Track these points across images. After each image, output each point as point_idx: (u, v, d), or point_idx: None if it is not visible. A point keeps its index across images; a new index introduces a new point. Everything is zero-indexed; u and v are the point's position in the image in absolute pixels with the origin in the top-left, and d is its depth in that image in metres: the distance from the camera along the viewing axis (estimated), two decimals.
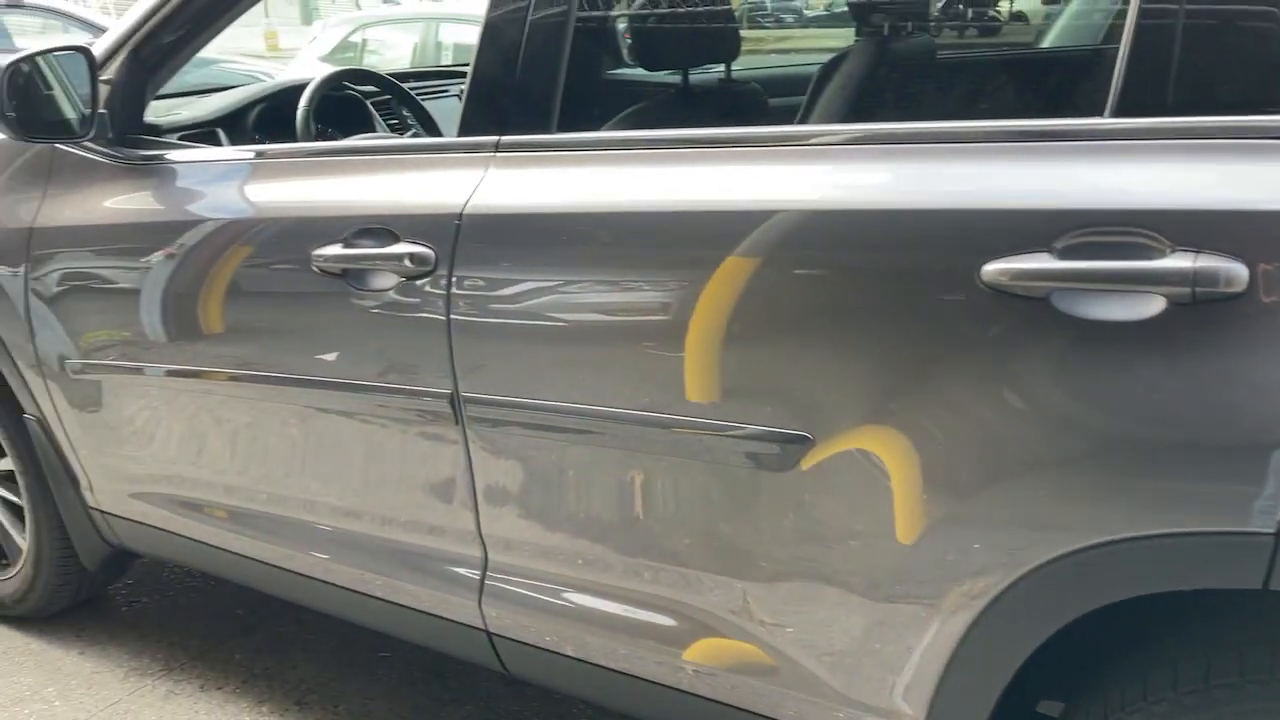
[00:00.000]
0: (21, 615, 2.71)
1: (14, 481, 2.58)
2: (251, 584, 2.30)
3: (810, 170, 1.48)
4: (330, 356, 1.86)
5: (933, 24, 3.24)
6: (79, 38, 6.59)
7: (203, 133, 2.57)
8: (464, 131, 1.77)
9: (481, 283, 1.66)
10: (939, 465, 1.35)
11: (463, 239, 1.67)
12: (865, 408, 1.39)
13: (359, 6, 19.55)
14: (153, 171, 2.13)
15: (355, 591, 2.05)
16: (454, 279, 1.67)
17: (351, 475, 1.95)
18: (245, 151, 2.15)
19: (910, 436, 1.35)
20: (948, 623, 1.38)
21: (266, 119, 2.76)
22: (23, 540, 2.60)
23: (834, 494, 1.43)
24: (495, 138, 1.72)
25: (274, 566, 2.16)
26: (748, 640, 1.59)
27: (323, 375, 1.88)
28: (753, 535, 1.53)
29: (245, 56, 9.22)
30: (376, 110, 3.04)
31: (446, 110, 3.21)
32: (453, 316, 1.68)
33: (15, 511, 2.64)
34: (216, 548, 2.26)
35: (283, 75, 6.26)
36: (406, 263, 1.70)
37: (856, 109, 2.10)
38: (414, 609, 1.96)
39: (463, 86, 1.98)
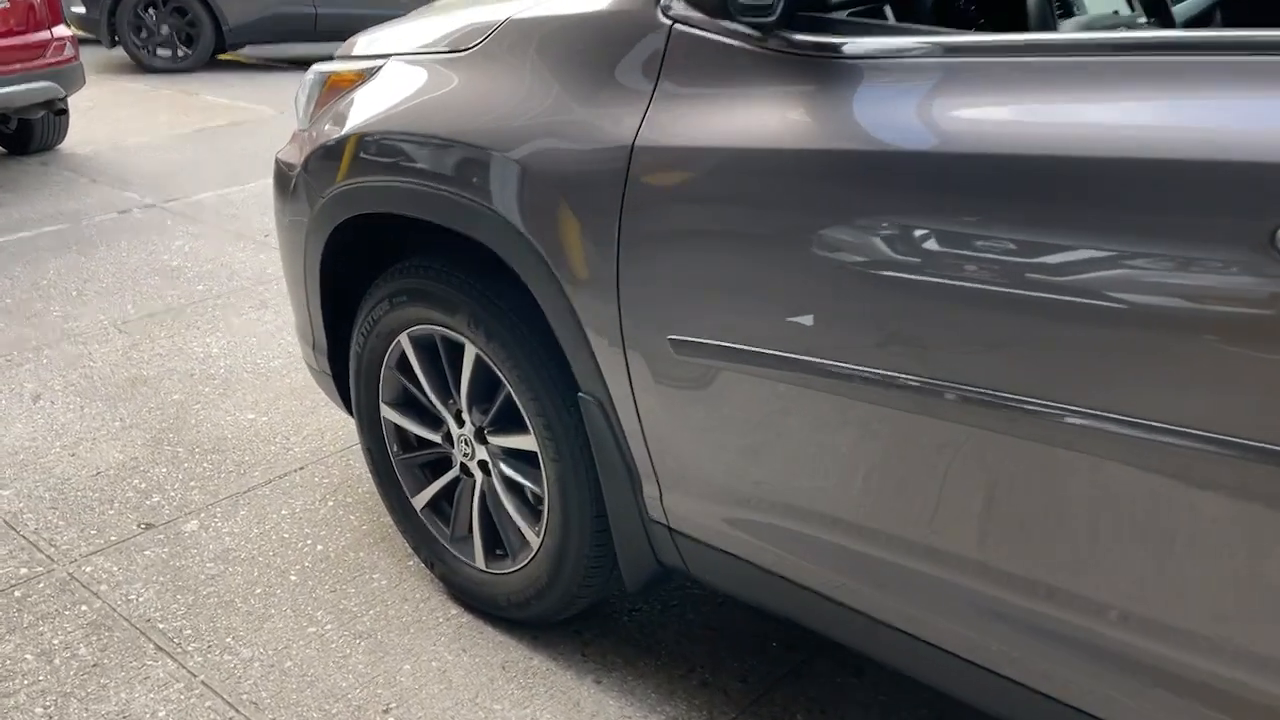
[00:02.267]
0: (518, 620, 2.20)
1: (532, 465, 2.04)
2: (855, 643, 1.66)
3: None
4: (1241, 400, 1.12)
5: None
6: None
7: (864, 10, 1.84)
8: None
9: None
10: None
11: None
12: None
13: None
14: (839, 71, 1.42)
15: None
16: None
17: (1152, 562, 1.23)
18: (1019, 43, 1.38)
19: None
20: None
21: None
22: (534, 535, 2.06)
23: None
24: None
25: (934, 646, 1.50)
26: None
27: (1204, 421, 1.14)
28: None
29: None
30: None
31: None
32: None
33: (522, 496, 2.11)
34: (833, 600, 1.62)
35: None
36: None
37: None
38: None
39: None
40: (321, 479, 2.82)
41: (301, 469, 2.87)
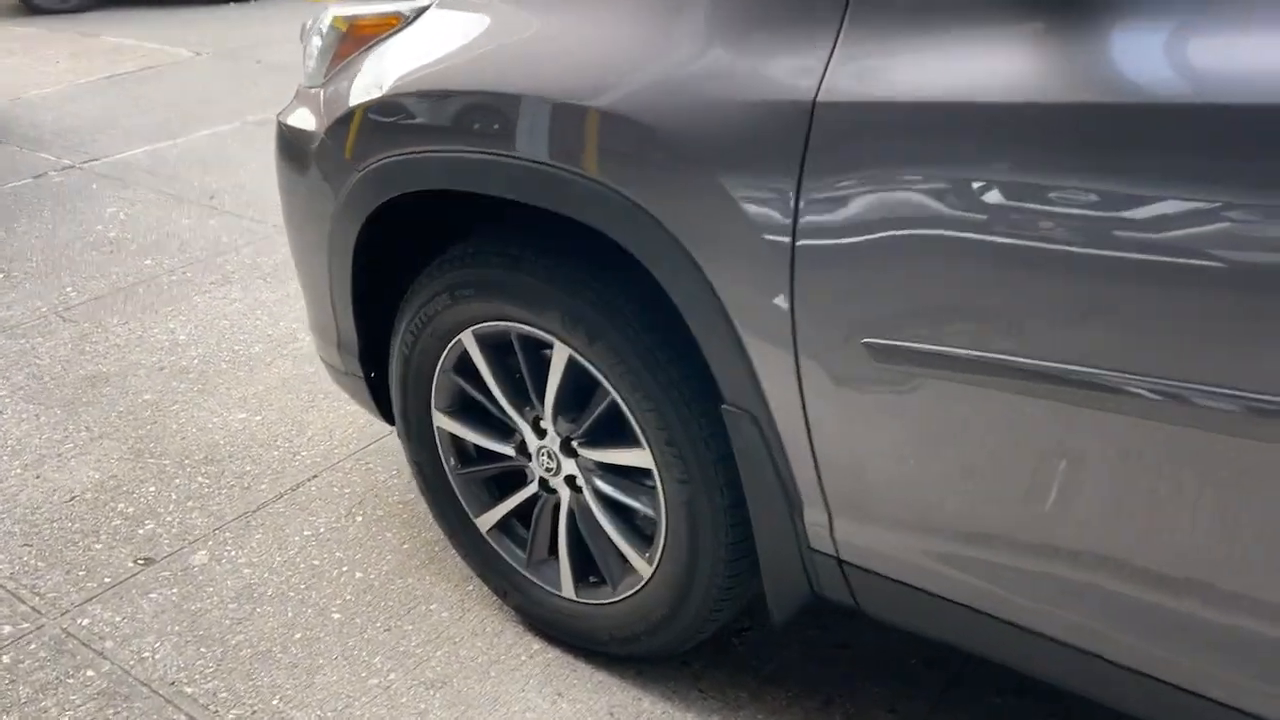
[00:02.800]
0: (625, 655, 1.89)
1: (637, 481, 1.73)
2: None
3: None
4: None
5: None
6: None
7: None
8: None
9: None
10: None
11: None
12: None
13: None
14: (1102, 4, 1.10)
15: None
16: None
17: None
18: None
19: None
20: None
21: None
22: (643, 561, 1.75)
23: None
24: None
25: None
26: None
27: None
28: None
29: None
30: None
31: None
32: None
33: (625, 516, 1.79)
34: (1051, 640, 1.35)
35: None
36: None
37: None
38: None
39: None
40: (342, 489, 2.46)
41: (314, 478, 2.50)
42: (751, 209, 1.31)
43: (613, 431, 1.71)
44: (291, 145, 1.96)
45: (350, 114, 1.75)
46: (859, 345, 1.30)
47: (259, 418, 2.75)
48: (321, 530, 2.31)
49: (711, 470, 1.58)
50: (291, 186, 2.00)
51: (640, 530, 1.79)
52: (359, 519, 2.35)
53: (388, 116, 1.69)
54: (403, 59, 1.69)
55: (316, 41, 1.92)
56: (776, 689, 1.86)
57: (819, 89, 1.24)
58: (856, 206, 1.25)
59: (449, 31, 1.65)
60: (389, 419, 2.11)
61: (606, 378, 1.63)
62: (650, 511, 1.72)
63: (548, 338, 1.69)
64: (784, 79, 1.27)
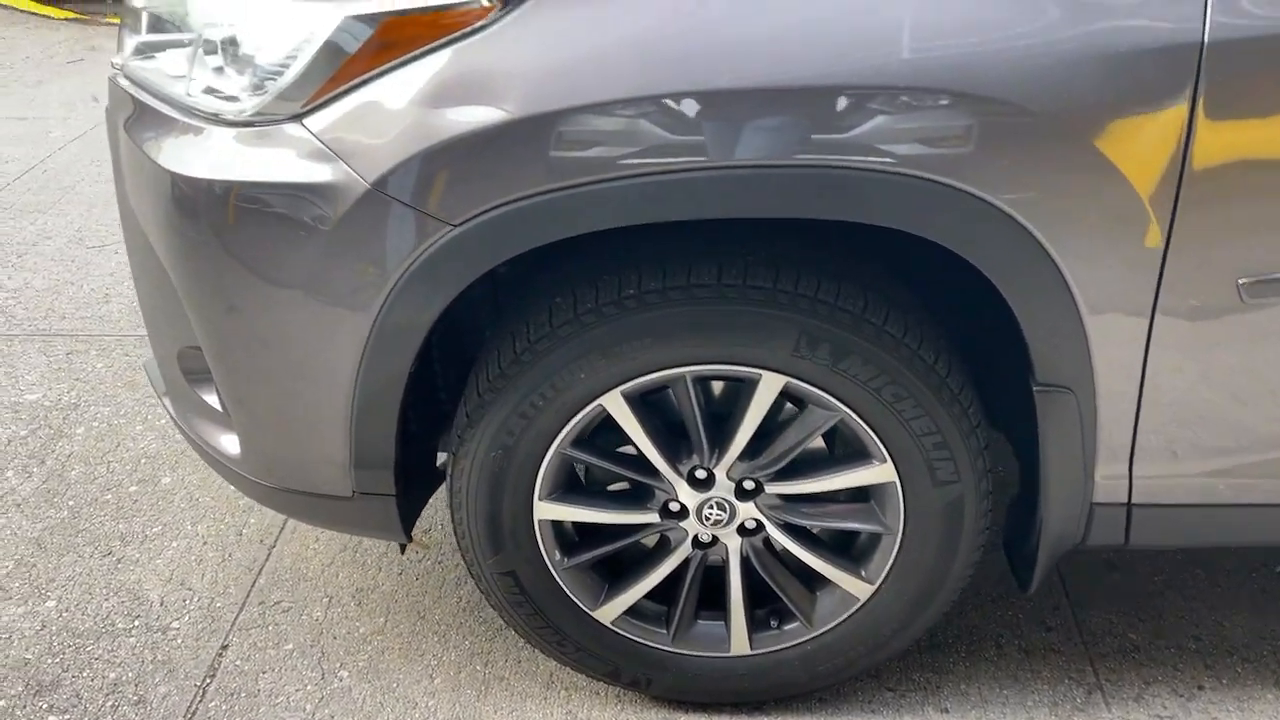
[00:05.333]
0: (821, 688, 1.70)
1: (844, 503, 1.53)
2: None
3: None
4: None
5: None
6: None
7: None
8: None
9: None
10: None
11: None
12: None
13: None
14: None
15: None
16: None
17: None
18: None
19: None
20: None
21: None
22: (859, 581, 1.57)
23: None
24: None
25: None
26: None
27: None
28: None
29: None
30: None
31: None
32: None
33: (819, 544, 1.59)
34: None
35: None
36: None
37: None
38: None
39: None
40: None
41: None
42: (1127, 165, 1.19)
43: (812, 458, 1.50)
44: (248, 211, 1.36)
45: (434, 151, 1.25)
46: (1232, 286, 1.26)
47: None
48: (349, 598, 1.73)
49: (980, 462, 1.46)
50: (248, 271, 1.40)
51: (842, 553, 1.59)
52: (385, 583, 1.80)
53: (520, 143, 1.24)
54: (532, 59, 1.23)
55: (299, 51, 1.32)
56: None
57: (1205, 26, 1.15)
58: (1248, 139, 1.19)
59: (624, 12, 1.23)
60: (409, 535, 1.63)
61: (841, 398, 1.40)
62: (866, 528, 1.54)
63: (751, 372, 1.40)
64: (1169, 21, 1.16)
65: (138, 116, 1.53)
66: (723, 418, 1.49)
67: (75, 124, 4.28)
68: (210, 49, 1.40)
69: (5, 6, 6.23)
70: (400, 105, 1.27)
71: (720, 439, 1.49)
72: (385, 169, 1.27)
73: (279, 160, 1.33)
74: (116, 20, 6.32)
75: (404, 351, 1.39)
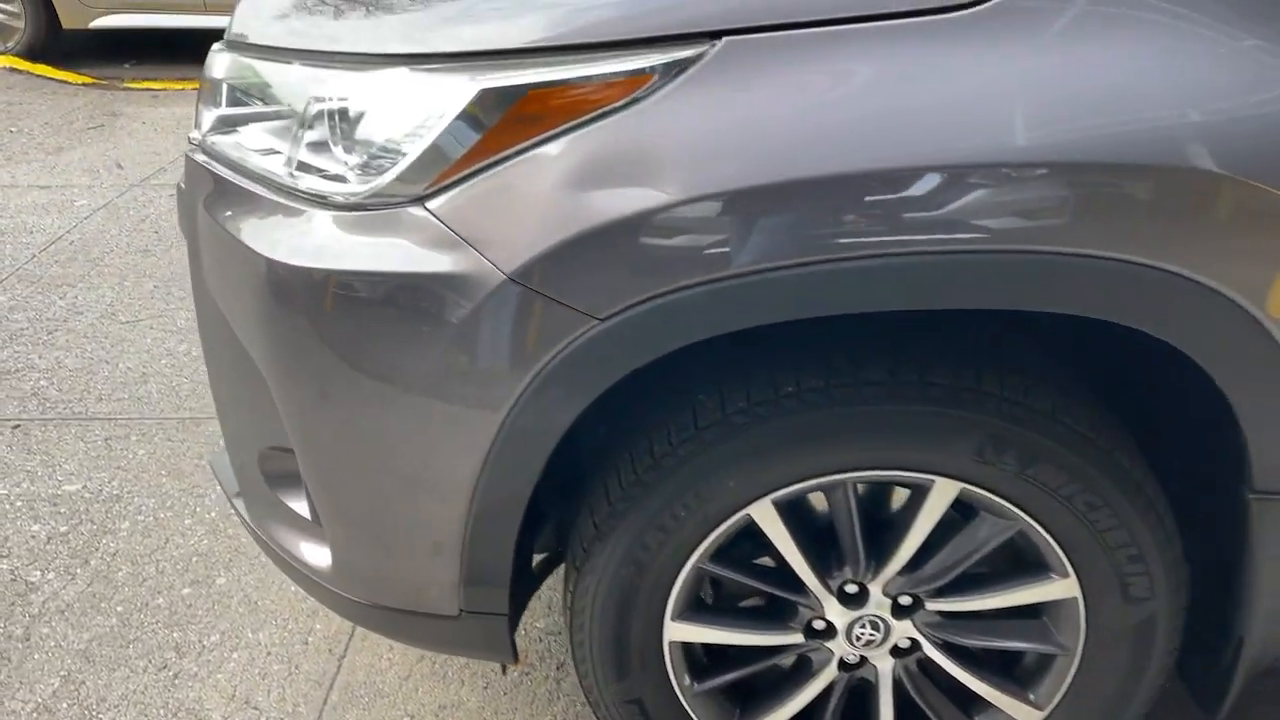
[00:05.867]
0: None
1: (1011, 620, 1.37)
2: None
3: None
4: None
5: None
6: None
7: None
8: None
9: None
10: None
11: None
12: None
13: None
14: None
15: None
16: None
17: None
18: None
19: None
20: None
21: None
22: (1025, 705, 1.40)
23: None
24: None
25: None
26: None
27: None
28: None
29: None
30: None
31: None
32: None
33: (978, 662, 1.42)
34: None
35: None
36: None
37: None
38: None
39: None
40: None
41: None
42: None
43: (978, 571, 1.33)
44: (359, 302, 1.21)
45: (583, 237, 1.10)
46: None
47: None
48: None
49: (1175, 575, 1.29)
50: (354, 369, 1.24)
51: (1006, 673, 1.43)
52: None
53: (684, 228, 1.09)
54: (700, 134, 1.09)
55: (380, 126, 1.19)
56: None
57: None
58: None
59: (820, 79, 1.08)
60: (516, 656, 1.46)
61: (1025, 506, 1.25)
62: (1038, 648, 1.38)
63: (924, 478, 1.25)
64: None
65: (220, 195, 1.39)
66: (878, 526, 1.33)
67: (100, 192, 4.15)
68: (311, 124, 1.26)
69: (21, 72, 6.15)
70: (543, 186, 1.12)
71: (878, 550, 1.33)
72: (525, 258, 1.12)
73: (398, 248, 1.18)
74: (136, 85, 6.29)
75: (533, 459, 1.23)
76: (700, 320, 1.13)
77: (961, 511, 1.31)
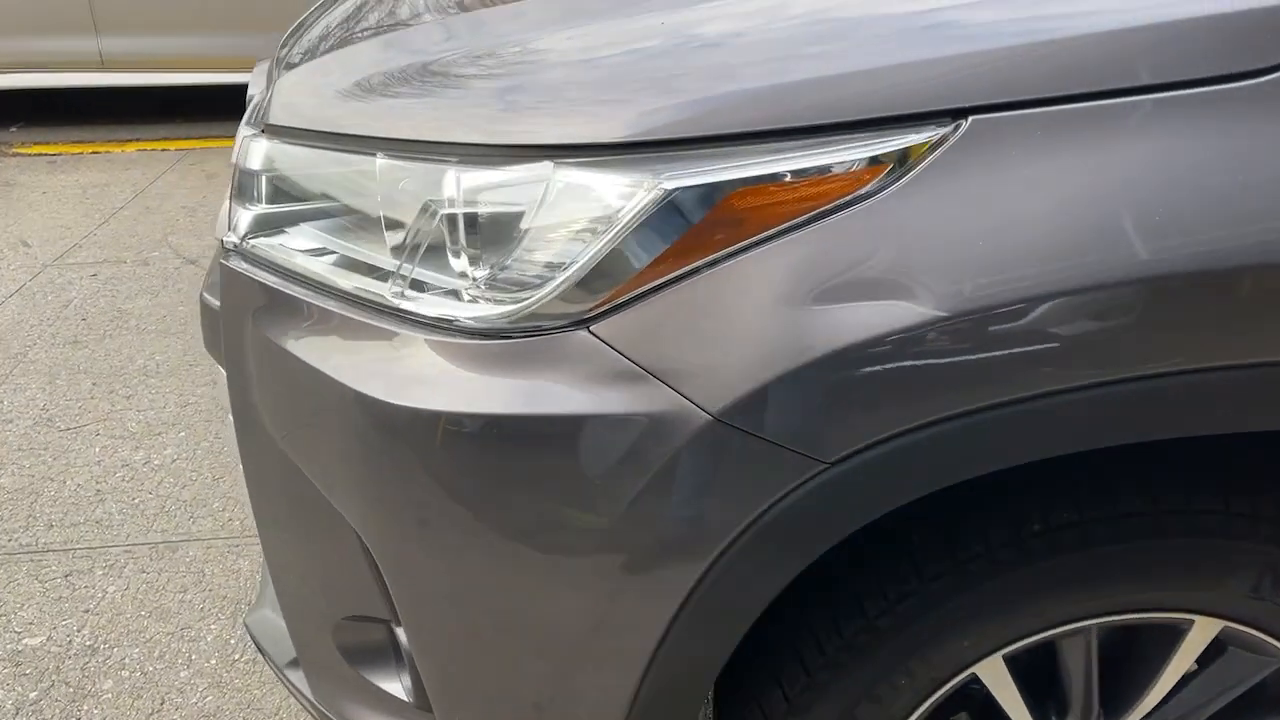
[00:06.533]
0: None
1: None
2: None
3: None
4: None
5: None
6: None
7: None
8: None
9: None
10: None
11: None
12: None
13: None
14: None
15: None
16: None
17: None
18: None
19: None
20: None
21: None
22: None
23: None
24: None
25: None
26: None
27: None
28: None
29: None
30: None
31: None
32: None
33: None
34: None
35: None
36: None
37: None
38: None
39: None
40: None
41: None
42: None
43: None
44: (507, 452, 0.97)
45: (809, 366, 0.88)
46: None
47: None
48: None
49: None
50: (496, 530, 1.00)
51: None
52: None
53: (941, 350, 0.88)
54: (957, 235, 0.88)
55: (527, 235, 0.95)
56: None
57: None
58: None
59: (1106, 158, 0.88)
60: None
61: None
62: None
63: (1181, 618, 1.06)
64: None
65: (280, 313, 1.13)
66: (1114, 670, 1.13)
67: (10, 276, 3.73)
68: (421, 233, 1.01)
69: None
70: (749, 304, 0.90)
71: (1115, 698, 1.13)
72: (737, 394, 0.90)
73: (558, 383, 0.94)
74: (28, 150, 5.79)
75: (727, 631, 1.01)
76: (957, 460, 0.92)
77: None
